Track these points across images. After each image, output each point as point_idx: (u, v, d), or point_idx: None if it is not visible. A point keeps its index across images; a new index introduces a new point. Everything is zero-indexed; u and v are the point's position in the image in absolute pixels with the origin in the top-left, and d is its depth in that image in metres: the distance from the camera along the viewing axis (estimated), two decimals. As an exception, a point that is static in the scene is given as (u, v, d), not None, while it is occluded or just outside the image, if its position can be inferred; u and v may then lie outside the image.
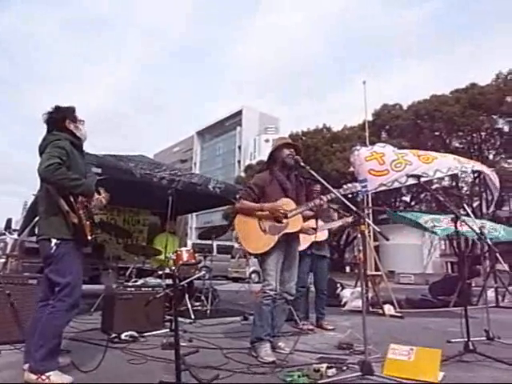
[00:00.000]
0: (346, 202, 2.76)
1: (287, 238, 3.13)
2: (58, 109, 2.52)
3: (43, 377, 2.14)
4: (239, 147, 63.58)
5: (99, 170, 4.33)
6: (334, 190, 2.98)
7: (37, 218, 2.51)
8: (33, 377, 2.15)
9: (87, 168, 2.66)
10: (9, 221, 7.86)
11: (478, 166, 6.71)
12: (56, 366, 2.23)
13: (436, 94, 25.72)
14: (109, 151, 5.16)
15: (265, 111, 67.18)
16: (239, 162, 61.12)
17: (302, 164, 3.12)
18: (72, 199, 2.32)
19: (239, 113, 65.37)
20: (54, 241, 2.30)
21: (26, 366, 2.24)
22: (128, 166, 4.93)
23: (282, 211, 3.05)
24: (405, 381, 2.32)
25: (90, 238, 2.38)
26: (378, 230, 2.57)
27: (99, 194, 2.61)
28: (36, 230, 2.49)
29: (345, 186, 3.11)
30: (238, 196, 3.33)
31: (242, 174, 38.17)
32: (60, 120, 2.49)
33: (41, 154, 2.38)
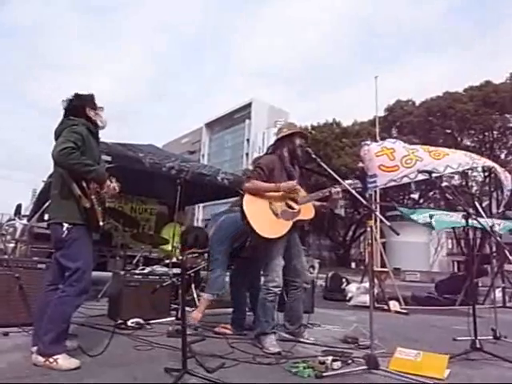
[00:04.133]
0: (357, 194, 2.73)
1: (294, 226, 3.05)
2: (78, 96, 2.54)
3: (51, 359, 2.17)
4: (248, 140, 63.38)
5: (109, 158, 4.34)
6: (344, 183, 2.95)
7: (46, 204, 2.54)
8: (41, 359, 2.19)
9: (100, 155, 2.67)
10: (19, 206, 7.92)
11: (490, 163, 6.62)
12: (64, 350, 2.26)
13: (449, 91, 25.38)
14: (117, 140, 5.16)
15: (274, 104, 66.79)
16: (247, 154, 60.98)
17: (314, 156, 3.08)
18: (85, 184, 2.34)
19: (248, 106, 65.05)
20: (65, 225, 2.32)
21: (34, 348, 2.28)
22: (137, 154, 4.94)
23: (297, 191, 2.98)
24: (411, 376, 2.31)
25: (101, 223, 2.39)
26: (389, 223, 2.55)
27: (111, 182, 2.62)
28: (46, 216, 2.51)
29: (347, 181, 3.06)
30: (246, 176, 3.20)
31: (250, 167, 38.14)
32: (80, 107, 2.51)
33: (57, 138, 2.39)
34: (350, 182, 3.13)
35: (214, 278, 3.53)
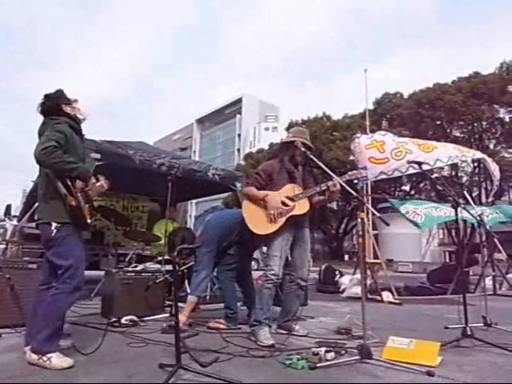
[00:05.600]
0: (347, 187, 2.75)
1: (296, 222, 3.13)
2: (48, 97, 2.48)
3: (44, 358, 2.17)
4: (239, 135, 63.37)
5: (98, 156, 4.31)
6: (335, 176, 2.96)
7: (36, 204, 2.51)
8: (34, 357, 2.18)
9: (86, 152, 2.64)
10: (8, 207, 7.85)
11: (479, 155, 6.70)
12: (57, 349, 2.25)
13: (438, 83, 25.53)
14: (107, 138, 5.12)
15: (265, 99, 66.75)
16: (239, 150, 60.99)
17: (303, 149, 3.12)
18: (69, 183, 2.32)
19: (239, 101, 64.99)
20: (54, 224, 2.31)
21: (27, 348, 2.27)
22: (127, 151, 4.90)
23: (273, 212, 3.01)
24: (403, 364, 2.34)
25: (89, 221, 2.38)
26: (378, 214, 2.57)
27: (98, 180, 2.61)
28: (36, 215, 2.49)
29: (350, 173, 3.10)
30: (245, 182, 3.33)
31: (242, 162, 38.11)
32: (55, 106, 2.46)
33: (40, 138, 2.36)
34: (354, 172, 3.16)
35: (199, 280, 3.51)
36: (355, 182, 3.08)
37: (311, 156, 3.04)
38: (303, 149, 3.13)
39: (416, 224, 6.74)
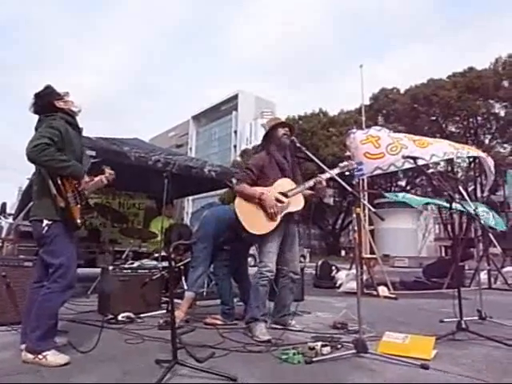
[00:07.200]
0: (342, 182, 2.75)
1: (286, 217, 3.12)
2: (38, 96, 2.44)
3: (40, 356, 2.16)
4: (235, 132, 63.21)
5: (93, 153, 4.29)
6: (330, 171, 2.97)
7: (32, 202, 2.49)
8: (30, 356, 2.18)
9: (83, 149, 2.61)
10: (4, 205, 7.78)
11: (474, 152, 6.71)
12: (52, 346, 2.25)
13: (433, 78, 25.61)
14: (103, 135, 5.10)
15: (261, 95, 66.60)
16: (235, 146, 60.84)
17: (298, 145, 3.12)
18: (60, 182, 2.28)
19: (235, 97, 64.78)
20: (45, 221, 2.29)
21: (23, 346, 2.26)
22: (122, 148, 4.88)
23: (273, 211, 3.00)
24: (399, 358, 2.36)
25: (79, 221, 2.35)
26: (373, 210, 2.58)
27: (103, 172, 2.60)
28: (30, 213, 2.47)
29: (341, 164, 3.10)
30: (236, 178, 3.28)
31: (238, 159, 38.06)
32: (47, 104, 2.42)
33: None
34: (344, 163, 3.16)
35: (195, 276, 3.50)
36: (347, 174, 3.06)
37: (307, 152, 3.02)
38: (298, 145, 3.12)
39: (416, 201, 6.81)
